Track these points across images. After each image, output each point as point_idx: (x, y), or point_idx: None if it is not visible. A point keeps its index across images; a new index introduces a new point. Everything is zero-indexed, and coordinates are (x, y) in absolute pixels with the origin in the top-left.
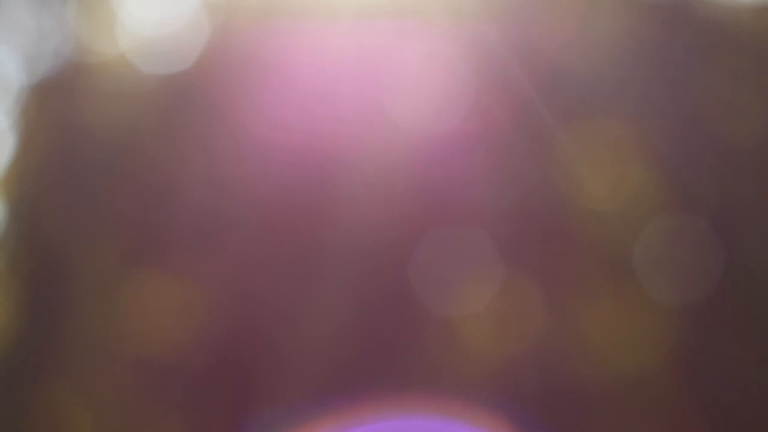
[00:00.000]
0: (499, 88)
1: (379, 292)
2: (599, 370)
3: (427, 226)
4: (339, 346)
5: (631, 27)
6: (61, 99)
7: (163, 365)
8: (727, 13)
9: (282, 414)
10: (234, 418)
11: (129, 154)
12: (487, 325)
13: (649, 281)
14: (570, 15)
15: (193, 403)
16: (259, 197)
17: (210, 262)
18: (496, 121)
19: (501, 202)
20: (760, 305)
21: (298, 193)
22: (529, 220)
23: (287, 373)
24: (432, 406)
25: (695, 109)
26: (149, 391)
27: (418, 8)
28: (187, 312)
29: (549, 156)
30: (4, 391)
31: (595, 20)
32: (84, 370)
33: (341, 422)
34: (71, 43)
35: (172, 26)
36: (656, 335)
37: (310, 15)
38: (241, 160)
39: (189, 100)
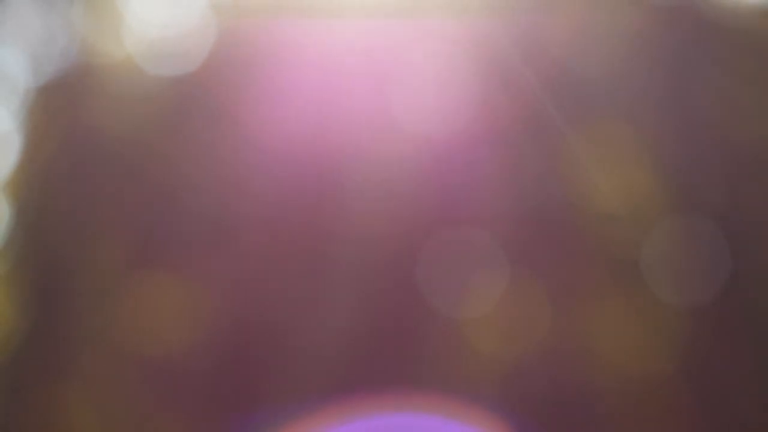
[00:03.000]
0: (507, 90)
1: (387, 294)
2: (607, 372)
3: (434, 228)
4: (346, 347)
5: (640, 30)
6: (67, 101)
7: (172, 367)
8: (736, 16)
9: (288, 414)
10: (242, 419)
11: (135, 156)
12: (495, 327)
13: (658, 284)
14: (579, 18)
15: (201, 404)
16: (266, 199)
17: (218, 263)
18: (505, 124)
19: (509, 204)
20: None
21: (305, 194)
22: (536, 222)
23: (295, 374)
24: (437, 406)
25: (703, 111)
26: (157, 392)
27: (426, 10)
28: (195, 314)
29: (557, 159)
30: (11, 394)
31: (603, 23)
32: (91, 372)
33: (345, 423)
34: (77, 44)
35: (179, 28)
36: (664, 338)
37: (318, 17)
38: (248, 162)
39: (196, 102)
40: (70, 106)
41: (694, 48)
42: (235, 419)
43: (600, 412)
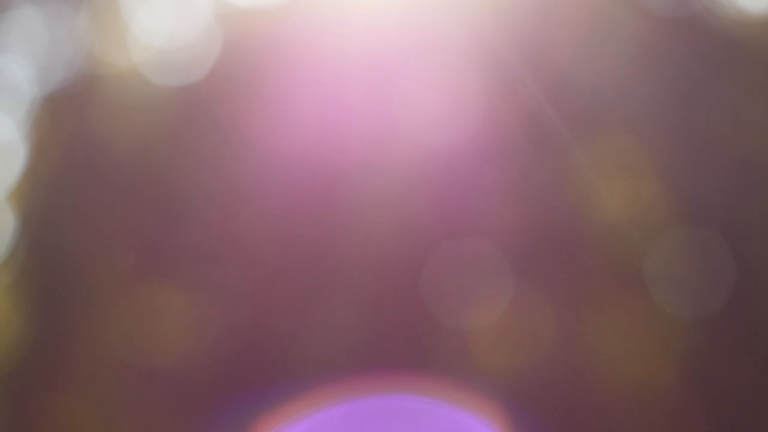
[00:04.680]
0: (512, 100)
1: (391, 305)
2: (611, 382)
3: (439, 238)
4: (351, 357)
5: (645, 41)
6: (73, 110)
7: (175, 377)
8: (740, 26)
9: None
10: (245, 429)
11: (141, 165)
12: (499, 337)
13: (661, 294)
14: (584, 29)
15: (204, 414)
16: (271, 208)
17: (222, 273)
18: (510, 134)
19: (513, 214)
20: None
21: (310, 204)
22: (541, 232)
23: (298, 384)
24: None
25: (708, 122)
26: (161, 402)
27: (431, 21)
28: (198, 323)
29: (562, 169)
30: (16, 402)
31: (609, 34)
32: (95, 382)
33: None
34: (83, 54)
35: (184, 38)
36: (668, 348)
37: (322, 27)
38: (253, 171)
39: (201, 111)
40: (75, 115)
41: (700, 59)
42: (242, 428)
43: (604, 421)
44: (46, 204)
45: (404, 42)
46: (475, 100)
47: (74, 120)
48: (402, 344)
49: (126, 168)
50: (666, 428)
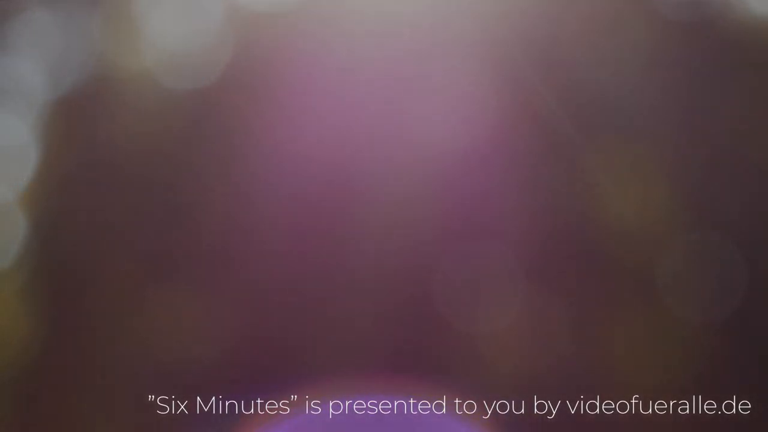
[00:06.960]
0: (524, 106)
1: (401, 308)
2: (623, 386)
3: (451, 241)
4: (360, 360)
5: (657, 45)
6: (84, 114)
7: (184, 379)
8: (752, 30)
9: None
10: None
11: (152, 168)
12: (511, 341)
13: (673, 297)
14: (596, 33)
15: (212, 415)
16: (282, 211)
17: (232, 277)
18: (522, 138)
19: (525, 217)
20: None
21: (321, 207)
22: (552, 236)
23: (307, 385)
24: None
25: (719, 126)
26: (170, 405)
27: (442, 25)
28: (209, 327)
29: (573, 173)
30: (25, 406)
31: (620, 39)
32: (105, 385)
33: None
34: (95, 57)
35: (195, 41)
36: (680, 351)
37: (334, 31)
38: (264, 174)
39: (212, 115)
40: (87, 118)
41: (712, 64)
42: (251, 429)
43: (617, 426)
44: (57, 207)
45: (415, 46)
46: (487, 104)
47: (86, 123)
48: (413, 348)
49: (137, 171)
50: (677, 430)
